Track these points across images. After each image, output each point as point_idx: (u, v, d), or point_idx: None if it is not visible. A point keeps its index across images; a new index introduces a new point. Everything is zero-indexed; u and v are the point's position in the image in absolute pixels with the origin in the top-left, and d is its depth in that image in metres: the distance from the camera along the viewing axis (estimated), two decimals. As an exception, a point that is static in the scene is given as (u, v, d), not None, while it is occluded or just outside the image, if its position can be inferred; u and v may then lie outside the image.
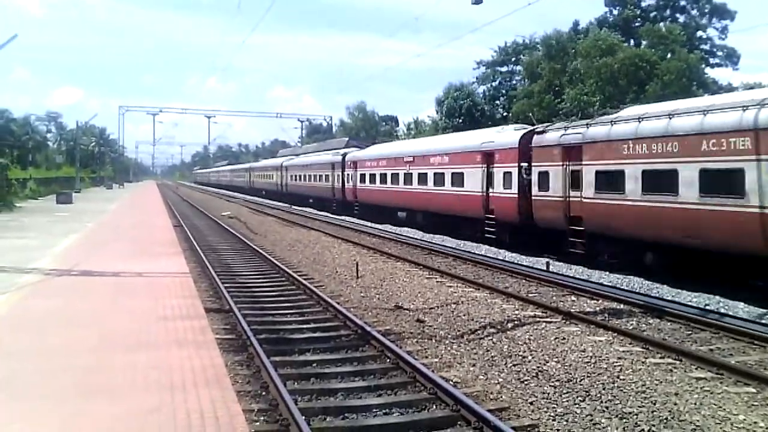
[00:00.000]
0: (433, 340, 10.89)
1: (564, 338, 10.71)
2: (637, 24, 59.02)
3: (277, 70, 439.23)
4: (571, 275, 17.51)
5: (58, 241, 21.88)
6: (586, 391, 8.31)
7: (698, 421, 7.34)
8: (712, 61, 59.18)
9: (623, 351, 10.08)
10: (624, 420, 7.42)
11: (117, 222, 32.09)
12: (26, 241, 21.88)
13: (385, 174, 34.73)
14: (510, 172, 22.93)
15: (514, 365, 9.48)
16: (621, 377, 8.78)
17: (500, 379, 8.91)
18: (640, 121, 17.14)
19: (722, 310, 13.33)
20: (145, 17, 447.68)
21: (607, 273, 17.81)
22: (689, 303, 13.96)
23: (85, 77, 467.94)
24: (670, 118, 16.16)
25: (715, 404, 7.84)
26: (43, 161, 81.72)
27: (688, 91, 45.80)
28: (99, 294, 12.96)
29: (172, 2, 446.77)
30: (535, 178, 21.46)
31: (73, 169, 77.17)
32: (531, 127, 23.43)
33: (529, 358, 9.78)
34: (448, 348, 10.46)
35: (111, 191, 78.45)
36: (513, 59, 69.65)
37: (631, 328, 11.76)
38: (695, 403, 7.84)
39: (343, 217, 39.43)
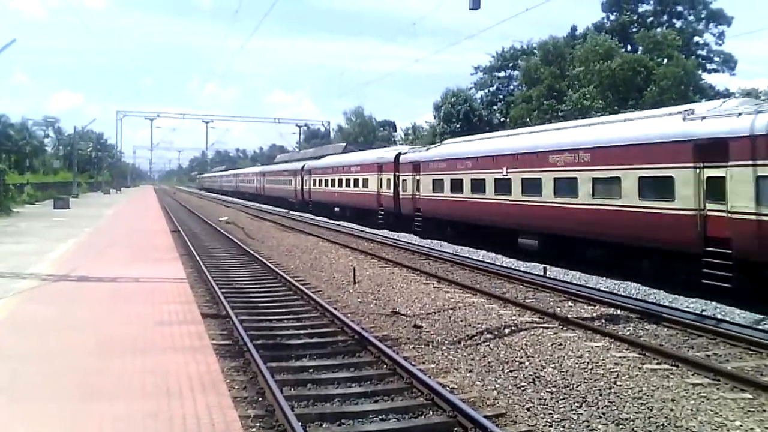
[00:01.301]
0: (430, 346, 10.89)
1: (561, 344, 10.71)
2: (634, 29, 59.21)
3: (277, 74, 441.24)
4: (568, 281, 17.52)
5: (55, 246, 21.84)
6: (583, 397, 8.31)
7: (695, 427, 7.35)
8: (709, 66, 59.39)
9: (620, 357, 10.09)
10: (621, 426, 7.43)
11: (114, 227, 32.06)
12: (23, 246, 21.85)
13: None
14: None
15: (511, 371, 9.48)
16: (618, 383, 8.79)
17: (497, 385, 8.90)
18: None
19: (719, 316, 13.34)
20: (144, 22, 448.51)
21: (604, 278, 17.82)
22: (686, 309, 13.97)
23: (83, 82, 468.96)
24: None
25: (711, 410, 7.84)
26: (40, 166, 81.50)
27: (685, 97, 45.94)
28: (96, 299, 12.93)
29: (171, 7, 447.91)
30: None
31: (70, 174, 77.04)
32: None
33: (526, 363, 9.78)
34: (445, 354, 10.45)
35: (108, 196, 78.37)
36: (510, 65, 69.85)
37: (628, 333, 11.77)
38: (692, 409, 7.85)
39: (340, 222, 39.36)
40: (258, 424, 7.25)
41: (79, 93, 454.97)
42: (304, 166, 52.59)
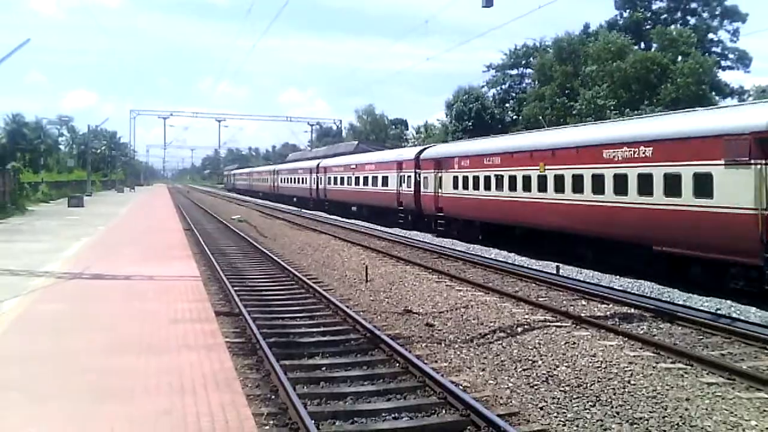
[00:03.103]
0: (443, 344, 10.88)
1: (574, 343, 10.67)
2: (647, 27, 58.82)
3: (289, 73, 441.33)
4: (582, 279, 17.44)
5: (69, 244, 22.02)
6: (597, 396, 8.28)
7: (710, 426, 7.30)
8: (723, 63, 58.87)
9: (634, 356, 10.04)
10: (635, 425, 7.39)
11: (128, 225, 32.27)
12: (38, 244, 22.04)
13: None
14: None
15: (524, 370, 9.46)
16: (632, 382, 8.75)
17: (510, 384, 8.88)
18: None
19: (734, 315, 13.24)
20: (158, 21, 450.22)
21: (618, 277, 17.74)
22: (700, 307, 13.87)
23: (99, 81, 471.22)
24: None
25: (726, 410, 7.78)
26: (54, 165, 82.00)
27: (702, 95, 45.56)
28: (110, 297, 13.03)
29: (186, 6, 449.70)
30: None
31: (84, 172, 77.53)
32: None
33: (539, 362, 9.75)
34: (458, 352, 10.44)
35: (122, 195, 78.89)
36: (523, 62, 69.59)
37: (641, 332, 11.71)
38: (707, 409, 7.79)
39: (352, 220, 39.42)
40: (271, 422, 7.27)
41: (94, 92, 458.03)
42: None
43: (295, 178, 62.85)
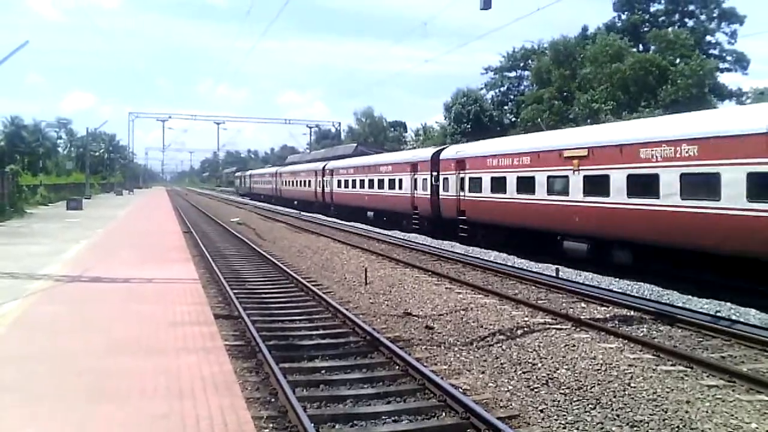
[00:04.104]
0: (443, 347, 10.86)
1: (574, 345, 10.65)
2: (645, 29, 58.89)
3: (288, 75, 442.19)
4: (581, 281, 17.43)
5: (68, 247, 21.98)
6: (597, 399, 8.26)
7: (710, 429, 7.29)
8: (721, 66, 58.92)
9: (634, 358, 10.02)
10: (635, 428, 7.38)
11: (127, 228, 32.22)
12: (37, 247, 22.00)
13: None
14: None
15: (524, 372, 9.44)
16: (632, 385, 8.73)
17: (510, 387, 8.87)
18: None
19: (734, 317, 13.23)
20: (157, 22, 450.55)
21: (617, 279, 17.73)
22: (700, 310, 13.87)
23: (97, 83, 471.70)
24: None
25: (727, 412, 7.77)
26: (53, 167, 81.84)
27: (702, 97, 45.57)
28: (109, 300, 13.00)
29: (183, 8, 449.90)
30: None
31: (83, 175, 77.43)
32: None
33: (539, 365, 9.74)
34: (458, 355, 10.42)
35: (121, 197, 78.80)
36: (521, 65, 69.67)
37: (641, 335, 11.70)
38: (707, 411, 7.78)
39: (351, 223, 39.38)
40: (271, 425, 7.25)
41: (93, 94, 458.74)
42: None
43: (374, 181, 38.58)
